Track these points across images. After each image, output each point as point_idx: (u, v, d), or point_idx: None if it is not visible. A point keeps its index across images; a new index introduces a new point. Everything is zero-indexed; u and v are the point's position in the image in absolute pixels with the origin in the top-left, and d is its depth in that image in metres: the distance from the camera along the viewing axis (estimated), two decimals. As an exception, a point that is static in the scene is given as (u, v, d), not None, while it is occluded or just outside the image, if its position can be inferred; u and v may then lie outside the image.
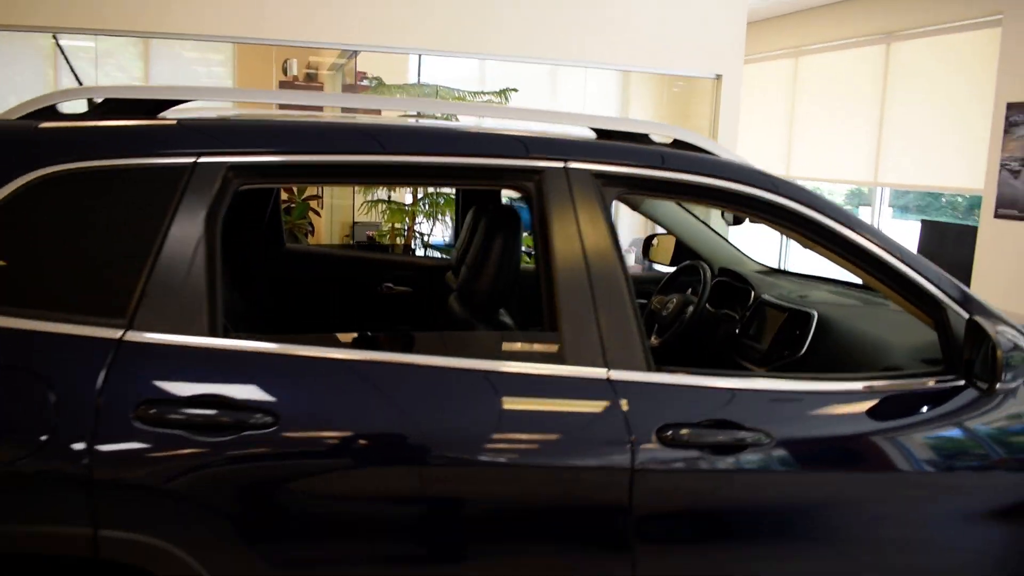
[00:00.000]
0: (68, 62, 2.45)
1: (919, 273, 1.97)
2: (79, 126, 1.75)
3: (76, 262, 1.66)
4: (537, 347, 1.84)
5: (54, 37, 2.62)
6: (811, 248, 2.07)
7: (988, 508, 1.97)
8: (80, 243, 1.67)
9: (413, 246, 6.16)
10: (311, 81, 6.43)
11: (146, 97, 1.84)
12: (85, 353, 1.59)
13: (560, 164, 1.87)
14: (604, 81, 7.55)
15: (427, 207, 5.65)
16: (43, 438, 1.54)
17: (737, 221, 2.92)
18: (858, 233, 1.97)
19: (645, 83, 7.94)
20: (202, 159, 1.71)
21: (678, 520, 1.81)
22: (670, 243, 3.45)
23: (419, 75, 5.52)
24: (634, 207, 3.25)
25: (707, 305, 2.93)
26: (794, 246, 8.17)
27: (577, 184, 1.87)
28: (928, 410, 1.96)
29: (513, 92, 5.45)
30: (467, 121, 2.31)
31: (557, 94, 6.85)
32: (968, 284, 4.78)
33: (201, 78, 7.66)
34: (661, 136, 2.07)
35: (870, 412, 1.91)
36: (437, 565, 1.72)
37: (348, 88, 6.08)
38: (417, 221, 5.88)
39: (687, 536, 1.82)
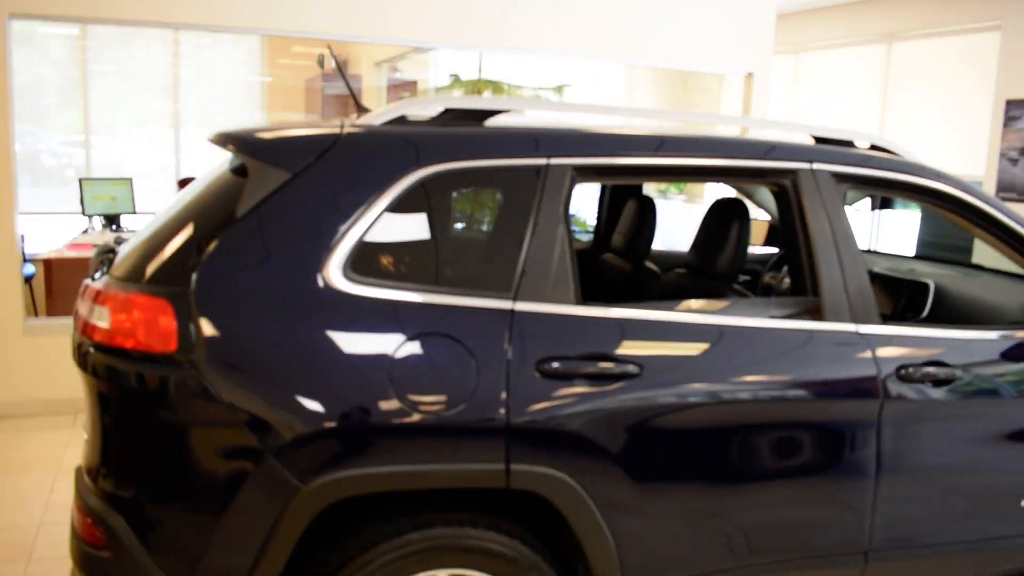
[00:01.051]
0: (342, 73, 2.73)
1: None
2: (447, 132, 2.10)
3: (466, 246, 2.03)
4: (804, 309, 2.30)
5: (328, 47, 2.85)
6: (968, 229, 2.62)
7: None
8: (467, 230, 2.04)
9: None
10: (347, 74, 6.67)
11: (479, 107, 2.20)
12: (491, 321, 1.97)
13: (808, 166, 2.34)
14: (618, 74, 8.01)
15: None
16: (470, 392, 1.91)
17: (884, 206, 3.42)
18: (1008, 217, 2.52)
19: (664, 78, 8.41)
20: (552, 160, 2.10)
21: (915, 437, 2.34)
22: (763, 227, 3.99)
23: (479, 71, 5.87)
24: (749, 196, 3.74)
25: None
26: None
27: (822, 181, 2.34)
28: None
29: (568, 87, 5.87)
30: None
31: (593, 88, 7.27)
32: (971, 259, 5.46)
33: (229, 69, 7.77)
34: (861, 141, 2.56)
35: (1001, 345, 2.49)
36: (757, 481, 2.19)
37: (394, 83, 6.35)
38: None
39: (926, 449, 2.37)
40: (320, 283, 1.89)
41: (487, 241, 2.06)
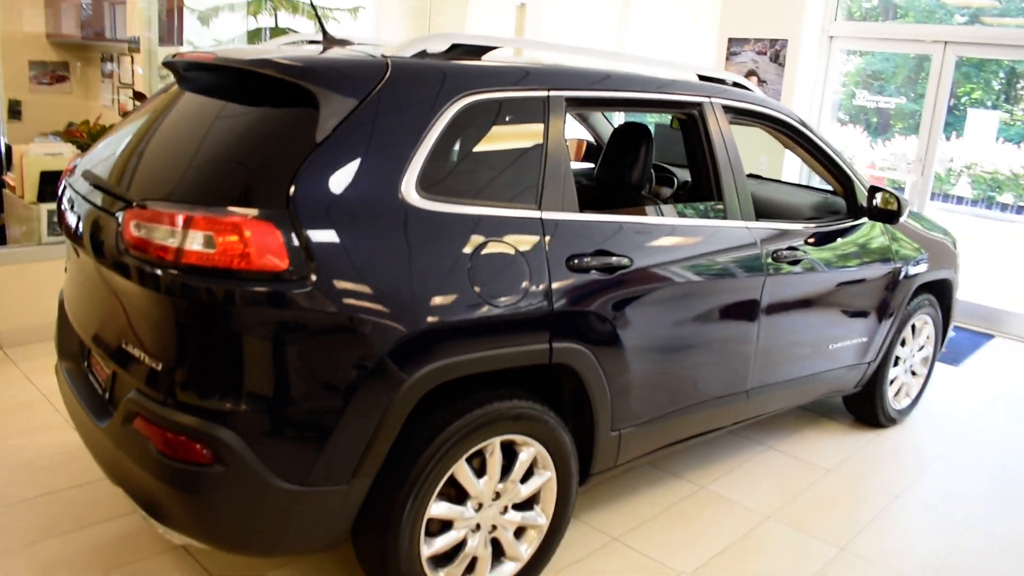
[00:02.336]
0: (316, 13, 2.77)
1: (844, 163, 3.54)
2: (474, 65, 2.39)
3: (499, 166, 2.37)
4: (714, 209, 2.98)
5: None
6: (794, 150, 3.52)
7: (879, 277, 3.69)
8: (498, 152, 2.37)
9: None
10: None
11: (480, 44, 2.50)
12: (529, 228, 2.36)
13: (708, 99, 3.00)
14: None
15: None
16: (525, 286, 2.31)
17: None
18: (824, 143, 3.46)
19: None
20: (552, 93, 2.50)
21: (780, 302, 3.25)
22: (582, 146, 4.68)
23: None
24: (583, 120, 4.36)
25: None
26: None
27: (718, 112, 3.02)
28: (855, 232, 3.59)
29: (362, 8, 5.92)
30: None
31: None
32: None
33: None
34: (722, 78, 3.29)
35: (831, 235, 3.47)
36: (693, 340, 2.89)
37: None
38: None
39: (784, 311, 3.28)
40: (401, 200, 2.13)
41: (514, 161, 2.41)
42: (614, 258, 2.54)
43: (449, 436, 2.23)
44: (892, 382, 4.12)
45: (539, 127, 2.47)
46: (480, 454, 2.37)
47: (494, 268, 2.26)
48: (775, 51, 6.45)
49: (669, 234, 2.79)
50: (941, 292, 4.25)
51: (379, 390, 2.07)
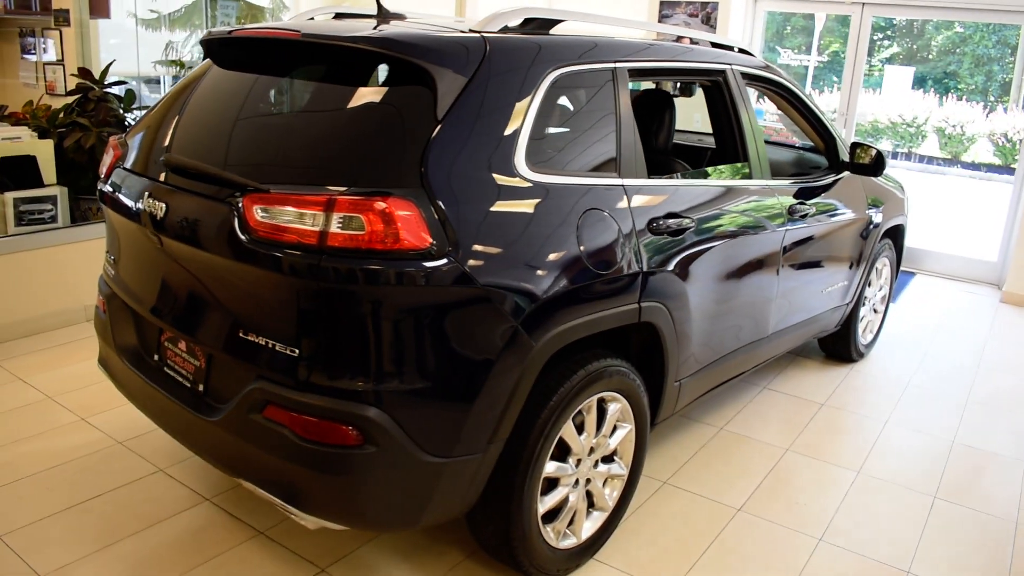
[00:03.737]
0: None
1: (828, 122, 3.83)
2: (557, 38, 2.45)
3: (584, 136, 2.46)
4: (743, 171, 3.18)
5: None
6: (788, 113, 3.77)
7: (859, 226, 4.03)
8: (581, 123, 2.46)
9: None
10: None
11: (551, 18, 2.55)
12: (617, 195, 2.47)
13: (729, 67, 3.18)
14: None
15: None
16: (622, 251, 2.42)
17: (684, 94, 4.35)
18: (816, 108, 3.73)
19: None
20: (618, 64, 2.60)
21: (794, 251, 3.53)
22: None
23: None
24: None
25: None
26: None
27: (738, 79, 3.21)
28: (840, 185, 3.91)
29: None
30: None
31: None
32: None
33: None
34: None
35: (824, 188, 3.77)
36: (738, 291, 3.12)
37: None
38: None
39: (796, 260, 3.58)
40: (517, 172, 2.19)
41: (595, 131, 2.50)
42: (684, 219, 2.70)
43: (562, 398, 2.34)
44: (861, 319, 4.52)
45: (612, 98, 2.56)
46: (579, 412, 2.49)
47: (596, 236, 2.36)
48: (706, 14, 6.74)
49: (715, 195, 2.96)
50: (895, 236, 4.67)
51: (514, 358, 2.14)
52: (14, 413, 3.44)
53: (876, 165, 3.86)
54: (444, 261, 1.98)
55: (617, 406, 2.61)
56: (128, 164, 2.52)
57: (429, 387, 2.04)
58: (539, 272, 2.18)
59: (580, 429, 2.50)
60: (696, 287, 2.81)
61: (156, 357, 2.53)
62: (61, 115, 4.58)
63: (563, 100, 2.43)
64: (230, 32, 2.50)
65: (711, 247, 2.87)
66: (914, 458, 3.58)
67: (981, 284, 6.53)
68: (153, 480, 2.97)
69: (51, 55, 5.39)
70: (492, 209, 2.11)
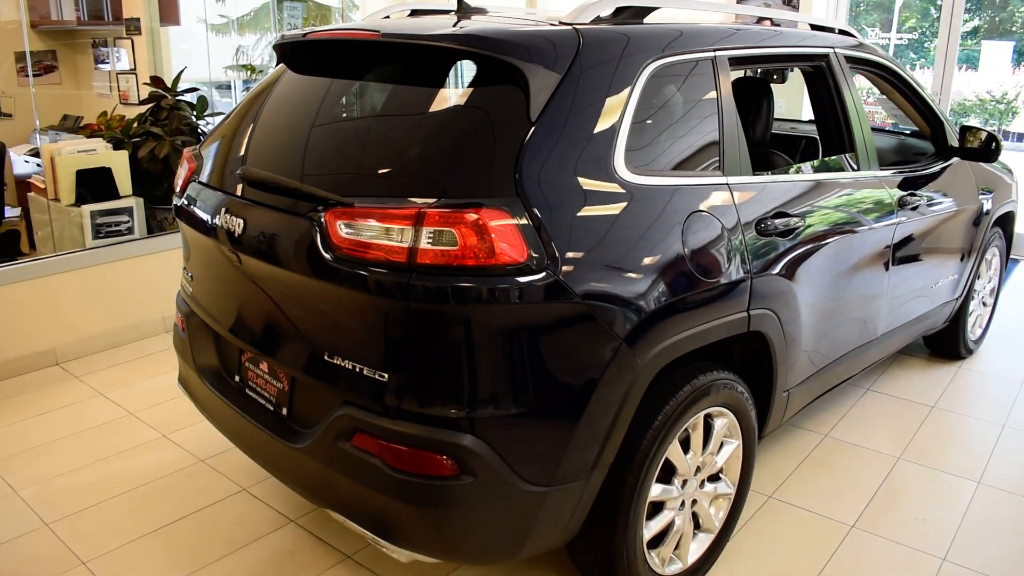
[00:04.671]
0: None
1: (935, 106, 3.53)
2: (653, 28, 2.26)
3: (686, 133, 2.27)
4: (847, 163, 2.93)
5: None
6: (892, 96, 3.49)
7: (970, 215, 3.73)
8: (683, 119, 2.27)
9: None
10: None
11: (645, 5, 2.36)
12: (722, 196, 2.27)
13: (832, 50, 2.93)
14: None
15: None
16: (729, 256, 2.23)
17: (781, 80, 4.12)
18: (921, 89, 3.43)
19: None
20: (718, 53, 2.39)
21: (905, 248, 3.23)
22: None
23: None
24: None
25: None
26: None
27: (841, 62, 2.96)
28: (949, 172, 3.62)
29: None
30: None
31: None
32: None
33: None
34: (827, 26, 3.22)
35: (933, 177, 3.46)
36: (849, 290, 2.90)
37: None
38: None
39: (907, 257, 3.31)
40: (617, 176, 2.01)
41: (697, 127, 2.30)
42: (792, 219, 2.48)
43: (667, 416, 2.15)
44: (970, 314, 4.20)
45: (712, 89, 2.36)
46: (685, 429, 2.30)
47: (702, 241, 2.17)
48: (785, -8, 6.41)
49: (824, 190, 2.73)
50: (1005, 224, 4.32)
51: (618, 378, 1.97)
52: (98, 431, 3.42)
53: (990, 150, 3.54)
54: (543, 275, 1.82)
55: (724, 421, 2.41)
56: (203, 177, 2.43)
57: (528, 412, 1.88)
58: (643, 283, 2.00)
59: (685, 447, 2.32)
60: (805, 290, 2.59)
61: (237, 378, 2.43)
62: (135, 125, 4.58)
63: (662, 94, 2.24)
64: (305, 35, 2.38)
65: (820, 246, 2.64)
66: (1041, 467, 3.28)
67: (1093, 269, 6.07)
68: (237, 500, 2.90)
69: (124, 64, 5.43)
70: (591, 216, 1.94)
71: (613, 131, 2.03)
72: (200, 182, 2.43)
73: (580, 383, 1.92)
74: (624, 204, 2.01)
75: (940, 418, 3.66)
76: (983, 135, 3.56)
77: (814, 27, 3.12)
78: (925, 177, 3.43)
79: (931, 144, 3.72)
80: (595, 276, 1.91)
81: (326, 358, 1.99)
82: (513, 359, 1.86)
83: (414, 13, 2.71)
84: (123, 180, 4.25)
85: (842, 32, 3.20)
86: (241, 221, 2.13)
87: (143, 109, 4.66)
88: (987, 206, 3.92)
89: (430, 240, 1.77)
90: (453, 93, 2.03)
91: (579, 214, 1.91)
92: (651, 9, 2.37)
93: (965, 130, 3.60)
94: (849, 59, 3.07)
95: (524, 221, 1.81)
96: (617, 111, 2.05)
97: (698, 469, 2.38)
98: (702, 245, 2.16)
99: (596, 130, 2.00)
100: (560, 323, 1.88)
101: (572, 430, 1.94)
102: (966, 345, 4.23)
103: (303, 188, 2.01)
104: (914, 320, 3.52)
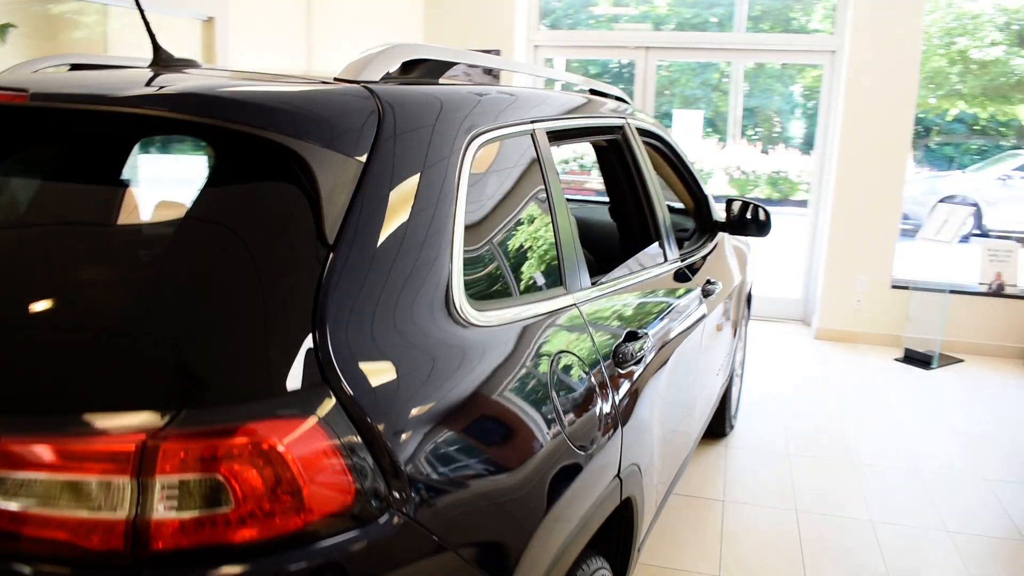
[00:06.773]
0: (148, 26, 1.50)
1: (700, 180, 3.29)
2: (468, 91, 1.59)
3: (522, 235, 1.62)
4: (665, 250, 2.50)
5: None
6: (659, 167, 3.16)
7: (739, 290, 3.52)
8: (514, 216, 1.61)
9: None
10: None
11: (441, 59, 1.69)
12: (574, 323, 1.64)
13: (624, 122, 2.50)
14: None
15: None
16: (599, 408, 1.60)
17: None
18: (687, 157, 3.17)
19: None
20: (536, 125, 1.80)
21: None
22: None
23: None
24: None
25: None
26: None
27: (633, 133, 2.54)
28: (720, 248, 3.37)
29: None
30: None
31: None
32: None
33: None
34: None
35: (708, 255, 3.17)
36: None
37: None
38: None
39: None
40: (461, 316, 1.30)
41: (531, 225, 1.65)
42: (640, 338, 1.92)
43: None
44: (733, 387, 4.06)
45: (538, 172, 1.75)
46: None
47: (575, 395, 1.54)
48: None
49: (651, 293, 2.25)
50: (748, 294, 4.29)
51: None
52: None
53: (764, 223, 3.30)
54: (385, 518, 1.04)
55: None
56: None
57: None
58: (528, 487, 1.31)
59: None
60: (654, 421, 2.06)
61: None
62: None
63: (491, 181, 1.58)
64: None
65: (664, 362, 2.14)
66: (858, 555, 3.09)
67: (789, 322, 6.51)
68: None
69: None
70: (443, 396, 1.20)
71: (445, 242, 1.32)
72: None
73: None
74: (480, 361, 1.30)
75: (738, 516, 3.37)
76: (760, 210, 3.35)
77: (594, 92, 2.67)
78: (703, 257, 3.15)
79: (692, 218, 3.49)
80: (463, 502, 1.17)
81: None
82: None
83: (76, 68, 1.75)
84: None
85: (618, 99, 2.80)
86: None
87: None
88: (747, 278, 3.81)
89: (170, 500, 0.91)
90: (180, 199, 1.17)
91: (428, 396, 1.16)
92: (449, 65, 1.71)
93: (731, 202, 3.39)
94: (639, 131, 2.67)
95: (343, 427, 1.01)
96: (447, 211, 1.35)
97: None
98: (574, 400, 1.52)
99: (424, 244, 1.28)
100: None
101: None
102: (730, 421, 4.09)
103: None
104: (710, 409, 3.21)
